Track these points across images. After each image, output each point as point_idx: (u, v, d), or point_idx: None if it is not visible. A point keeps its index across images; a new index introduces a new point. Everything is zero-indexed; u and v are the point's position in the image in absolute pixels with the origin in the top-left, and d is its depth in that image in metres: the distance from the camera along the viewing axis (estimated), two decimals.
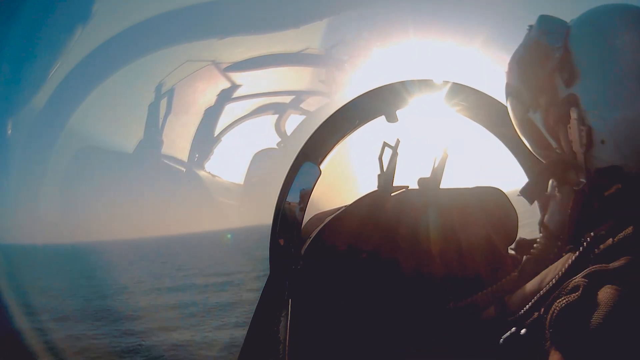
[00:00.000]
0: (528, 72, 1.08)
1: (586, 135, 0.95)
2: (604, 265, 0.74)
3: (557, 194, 1.14)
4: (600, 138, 0.94)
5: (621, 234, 0.78)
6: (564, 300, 0.73)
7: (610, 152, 0.94)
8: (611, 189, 0.92)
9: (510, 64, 1.16)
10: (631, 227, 0.78)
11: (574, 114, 0.96)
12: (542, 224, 1.18)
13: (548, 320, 0.74)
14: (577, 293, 0.72)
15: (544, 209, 1.19)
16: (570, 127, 0.98)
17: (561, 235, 1.11)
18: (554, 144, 1.08)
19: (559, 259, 0.98)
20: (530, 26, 1.11)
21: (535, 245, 1.22)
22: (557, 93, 1.01)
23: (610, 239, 0.78)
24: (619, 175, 0.93)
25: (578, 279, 0.74)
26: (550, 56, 1.01)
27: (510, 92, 1.17)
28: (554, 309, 0.73)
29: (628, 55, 0.94)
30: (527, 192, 1.25)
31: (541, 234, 1.20)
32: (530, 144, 1.20)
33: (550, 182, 1.17)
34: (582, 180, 1.01)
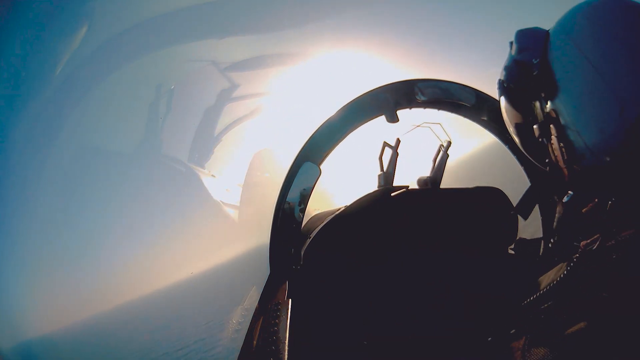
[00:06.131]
0: (512, 94, 1.06)
1: (566, 152, 0.95)
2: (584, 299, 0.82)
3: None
4: (580, 153, 0.93)
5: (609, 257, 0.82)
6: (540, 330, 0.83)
7: (591, 166, 0.93)
8: (587, 207, 0.95)
9: (498, 86, 1.13)
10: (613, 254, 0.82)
11: (553, 131, 0.96)
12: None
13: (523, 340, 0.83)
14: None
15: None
16: (552, 143, 0.98)
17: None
18: (544, 158, 1.08)
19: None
20: (511, 43, 1.08)
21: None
22: (540, 108, 1.00)
23: (597, 266, 0.84)
24: (595, 194, 0.95)
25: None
26: (530, 73, 0.99)
27: (503, 109, 1.16)
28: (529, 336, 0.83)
29: (602, 64, 0.88)
30: (521, 210, 1.28)
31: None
32: (531, 157, 1.18)
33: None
34: (570, 192, 1.02)
